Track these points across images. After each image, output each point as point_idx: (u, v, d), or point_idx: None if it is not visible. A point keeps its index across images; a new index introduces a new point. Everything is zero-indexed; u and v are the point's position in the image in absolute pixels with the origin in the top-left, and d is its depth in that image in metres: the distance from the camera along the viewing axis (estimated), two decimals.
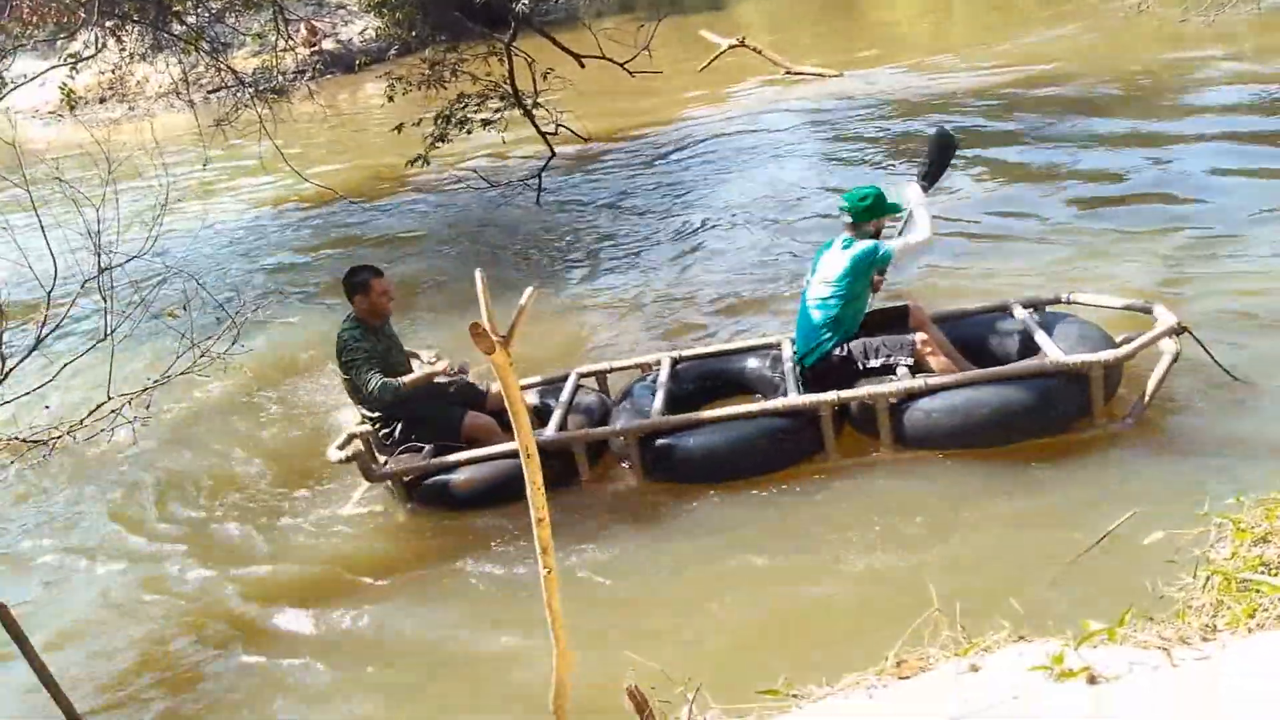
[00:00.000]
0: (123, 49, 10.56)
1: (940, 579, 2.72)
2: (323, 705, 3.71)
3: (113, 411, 5.48)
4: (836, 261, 4.61)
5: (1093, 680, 1.94)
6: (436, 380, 4.86)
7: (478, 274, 2.07)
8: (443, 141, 9.34)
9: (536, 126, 9.55)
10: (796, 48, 14.70)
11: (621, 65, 9.28)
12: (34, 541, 5.23)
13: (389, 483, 4.76)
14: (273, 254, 10.14)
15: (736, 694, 2.39)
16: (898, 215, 4.88)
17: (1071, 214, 7.01)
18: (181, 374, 5.71)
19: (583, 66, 9.68)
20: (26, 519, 5.47)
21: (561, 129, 9.65)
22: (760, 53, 14.20)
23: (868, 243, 4.58)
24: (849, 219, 4.67)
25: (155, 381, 5.76)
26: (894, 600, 3.36)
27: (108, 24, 9.52)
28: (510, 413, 2.14)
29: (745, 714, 2.33)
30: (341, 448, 4.82)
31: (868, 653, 2.40)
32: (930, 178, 4.89)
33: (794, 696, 2.32)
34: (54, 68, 10.19)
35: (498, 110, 9.46)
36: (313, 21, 21.10)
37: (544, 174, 9.59)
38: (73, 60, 9.71)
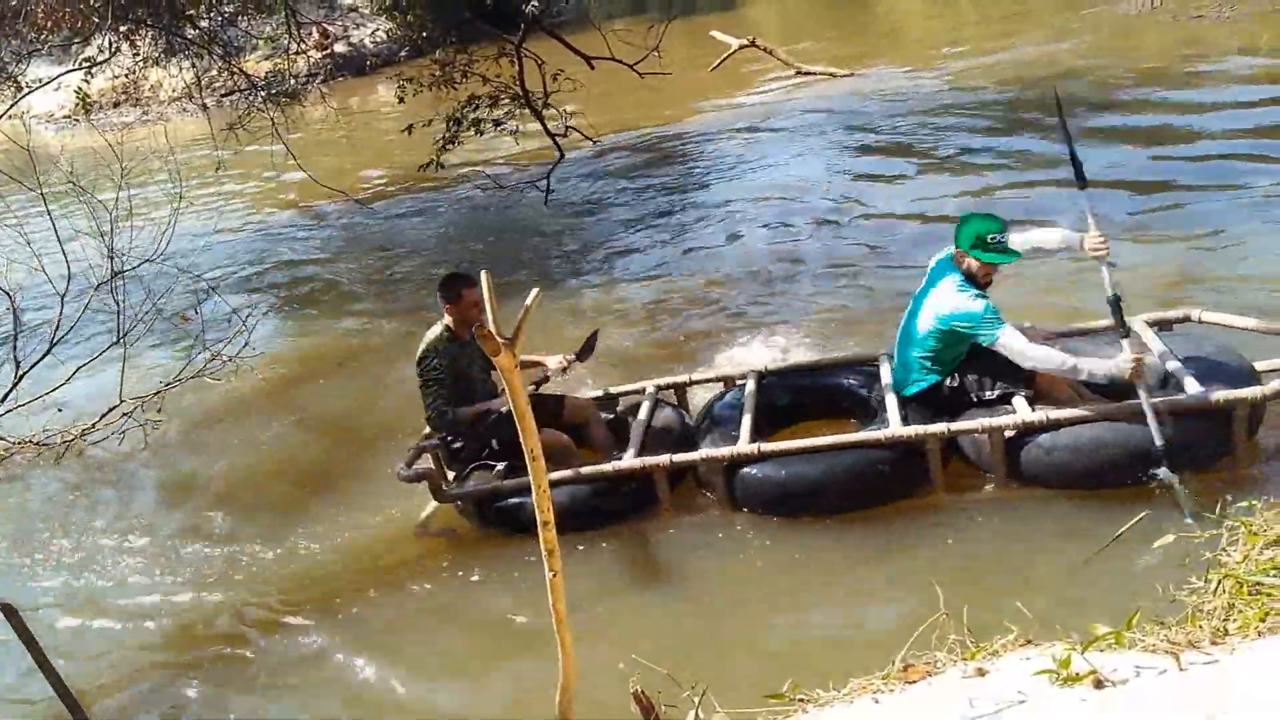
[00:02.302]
0: (136, 53, 10.62)
1: (948, 584, 2.71)
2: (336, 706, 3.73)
3: (125, 415, 5.53)
4: (943, 303, 4.14)
5: (1099, 684, 1.94)
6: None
7: (483, 276, 2.06)
8: (453, 144, 9.37)
9: (546, 128, 9.56)
10: (807, 48, 14.69)
11: (631, 66, 9.28)
12: (46, 544, 5.22)
13: (458, 503, 4.57)
14: (283, 257, 10.17)
15: (743, 699, 2.39)
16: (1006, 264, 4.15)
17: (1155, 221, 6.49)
18: (193, 377, 5.77)
19: (592, 68, 9.69)
20: (39, 522, 5.48)
21: (571, 130, 9.66)
22: (771, 53, 14.22)
23: (976, 306, 4.04)
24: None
25: (167, 384, 5.81)
26: (901, 605, 3.34)
27: (122, 28, 9.58)
28: (515, 415, 2.13)
29: (751, 719, 2.33)
30: (410, 464, 4.53)
31: (875, 658, 2.39)
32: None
33: (800, 701, 2.32)
34: (68, 72, 10.28)
35: (508, 112, 9.48)
36: (324, 25, 21.20)
37: (553, 175, 9.61)
38: (87, 65, 9.79)
